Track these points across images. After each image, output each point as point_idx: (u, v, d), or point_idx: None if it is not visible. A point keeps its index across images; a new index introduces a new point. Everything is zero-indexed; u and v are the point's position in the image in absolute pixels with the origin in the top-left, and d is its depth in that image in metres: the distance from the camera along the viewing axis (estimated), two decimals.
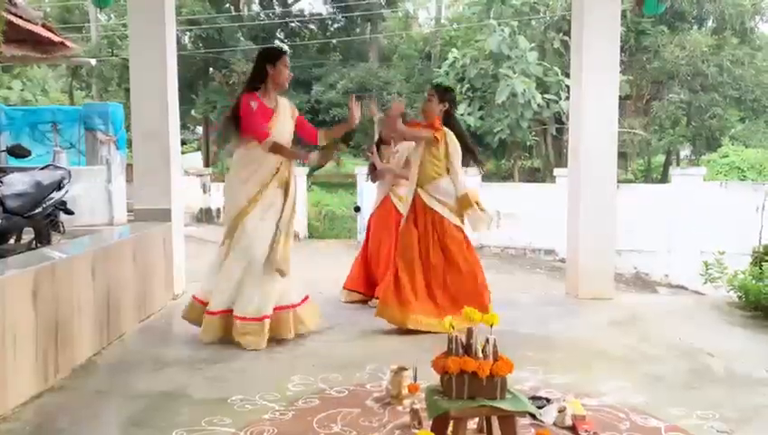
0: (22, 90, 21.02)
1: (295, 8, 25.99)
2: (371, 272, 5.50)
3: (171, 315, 5.01)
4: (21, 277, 3.22)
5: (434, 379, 3.03)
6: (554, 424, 2.99)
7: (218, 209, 16.98)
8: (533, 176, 19.70)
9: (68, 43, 10.54)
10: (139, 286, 4.74)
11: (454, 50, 18.55)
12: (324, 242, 14.43)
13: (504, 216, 13.77)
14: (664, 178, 18.78)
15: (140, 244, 4.83)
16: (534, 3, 18.84)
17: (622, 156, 16.86)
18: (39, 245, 5.16)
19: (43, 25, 9.69)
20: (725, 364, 3.89)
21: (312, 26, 25.86)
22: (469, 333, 2.73)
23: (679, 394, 3.43)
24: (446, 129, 4.65)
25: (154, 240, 5.14)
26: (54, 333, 3.48)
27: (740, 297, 5.35)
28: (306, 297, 4.50)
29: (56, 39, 9.92)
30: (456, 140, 4.64)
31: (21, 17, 8.53)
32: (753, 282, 5.21)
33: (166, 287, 5.40)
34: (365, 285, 5.51)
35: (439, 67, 19.34)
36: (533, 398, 3.11)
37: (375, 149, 5.73)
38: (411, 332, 4.48)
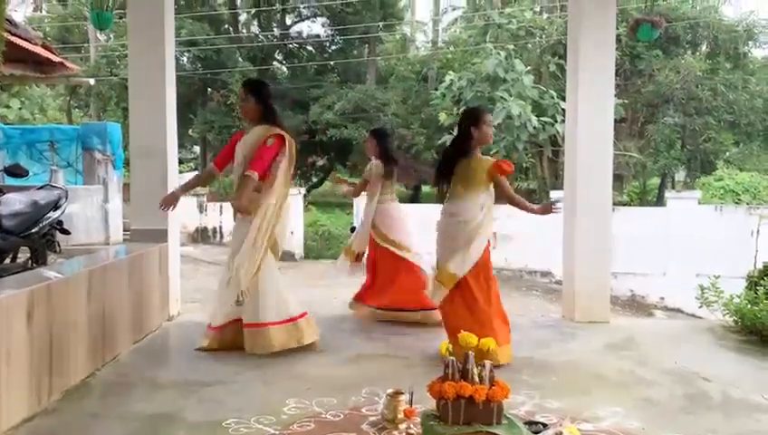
0: (20, 108, 21.09)
1: (293, 30, 26.21)
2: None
3: (167, 336, 5.00)
4: (16, 298, 3.21)
5: (430, 403, 3.02)
6: None
7: (214, 229, 16.97)
8: (529, 197, 19.71)
9: (67, 63, 10.61)
10: (135, 307, 4.73)
11: (450, 72, 18.67)
12: (323, 265, 14.39)
13: (499, 237, 13.77)
14: (659, 201, 18.85)
15: (136, 264, 4.82)
16: (530, 27, 19.01)
17: (618, 178, 16.93)
18: (35, 264, 5.14)
19: (43, 45, 9.77)
20: (721, 389, 3.89)
21: (309, 48, 26.05)
22: (466, 357, 2.73)
23: (675, 419, 3.43)
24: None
25: (150, 261, 5.13)
26: (49, 354, 3.46)
27: (735, 321, 5.35)
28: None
29: (55, 59, 10.00)
30: None
31: (21, 37, 8.60)
32: (749, 306, 5.21)
33: (161, 308, 5.38)
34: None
35: (436, 89, 19.45)
36: (529, 423, 3.10)
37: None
38: (407, 355, 4.47)
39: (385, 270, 5.64)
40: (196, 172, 23.10)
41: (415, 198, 20.62)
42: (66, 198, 5.59)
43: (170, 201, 4.71)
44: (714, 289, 5.61)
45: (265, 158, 4.46)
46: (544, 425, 3.16)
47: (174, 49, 5.75)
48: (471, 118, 4.55)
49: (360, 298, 5.79)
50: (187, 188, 4.93)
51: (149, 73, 5.44)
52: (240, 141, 4.64)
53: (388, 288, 5.57)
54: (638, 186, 21.36)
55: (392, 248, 5.58)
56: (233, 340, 4.55)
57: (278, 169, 4.53)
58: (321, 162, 25.17)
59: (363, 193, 5.90)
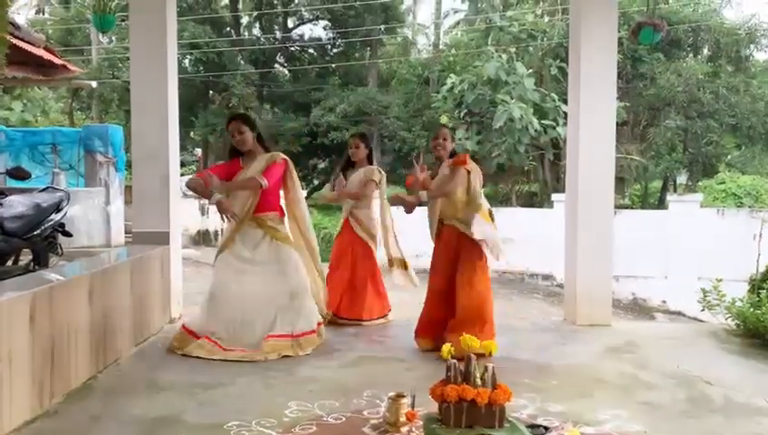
0: (22, 111, 21.10)
1: (295, 33, 26.25)
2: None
3: (168, 339, 4.99)
4: (18, 300, 3.21)
5: (432, 406, 3.02)
6: None
7: (216, 232, 16.99)
8: (531, 200, 19.76)
9: (69, 65, 10.63)
10: (136, 310, 4.73)
11: (452, 75, 18.69)
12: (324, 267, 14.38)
13: (501, 240, 13.78)
14: (661, 204, 18.85)
15: (138, 267, 4.82)
16: (532, 30, 19.04)
17: (619, 181, 16.92)
18: (37, 267, 5.15)
19: (46, 48, 9.79)
20: (723, 393, 3.88)
21: (311, 51, 26.10)
22: (468, 360, 2.73)
23: (677, 423, 3.42)
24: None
25: (152, 263, 5.14)
26: (50, 356, 3.46)
27: (738, 325, 5.35)
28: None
29: (58, 62, 10.01)
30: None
31: (23, 40, 8.61)
32: (751, 310, 5.20)
33: (163, 311, 5.38)
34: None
35: (437, 92, 19.48)
36: (531, 426, 3.09)
37: (341, 174, 5.90)
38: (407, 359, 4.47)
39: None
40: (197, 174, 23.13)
41: None
42: (68, 200, 5.60)
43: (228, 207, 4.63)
44: (716, 292, 5.60)
45: (275, 173, 4.68)
46: (546, 428, 3.15)
47: (176, 52, 5.76)
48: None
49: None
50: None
51: (152, 76, 5.45)
52: (240, 175, 4.69)
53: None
54: (639, 189, 21.36)
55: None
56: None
57: (292, 197, 4.93)
58: (322, 165, 25.20)
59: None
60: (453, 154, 4.81)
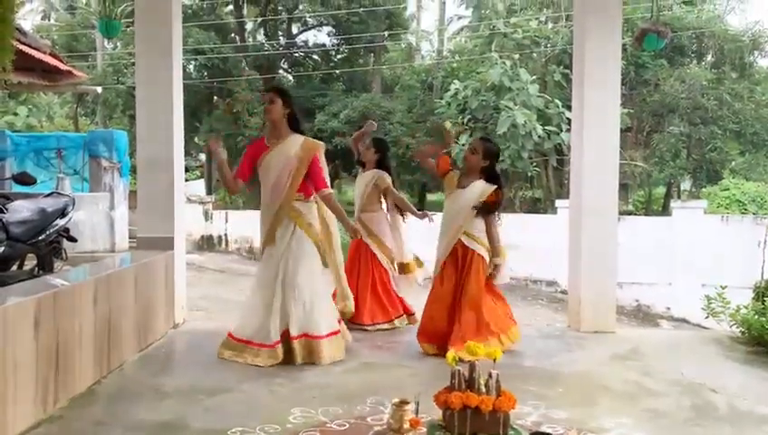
0: (27, 116, 21.21)
1: (299, 39, 26.32)
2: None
3: (172, 344, 5.00)
4: (23, 306, 3.22)
5: (436, 413, 3.01)
6: None
7: (219, 237, 17.01)
8: (534, 206, 19.73)
9: (75, 71, 10.68)
10: (140, 315, 4.73)
11: (456, 81, 18.72)
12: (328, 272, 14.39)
13: (504, 246, 13.76)
14: (665, 211, 18.81)
15: (142, 272, 4.83)
16: (535, 36, 19.06)
17: (623, 188, 16.92)
18: (41, 272, 5.16)
19: (51, 54, 9.83)
20: (728, 401, 3.86)
21: (315, 57, 26.16)
22: (472, 367, 2.73)
23: (682, 431, 3.41)
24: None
25: (156, 268, 5.14)
26: (55, 361, 3.47)
27: (743, 332, 5.33)
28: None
29: (63, 67, 10.06)
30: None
31: (30, 46, 8.66)
32: (756, 317, 5.18)
33: (166, 316, 5.38)
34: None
35: (441, 98, 19.50)
36: (536, 433, 3.09)
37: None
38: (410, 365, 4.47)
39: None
40: (202, 179, 23.21)
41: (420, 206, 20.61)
42: (73, 205, 5.61)
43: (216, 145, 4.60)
44: (720, 299, 5.59)
45: (323, 173, 4.61)
46: None
47: (181, 58, 5.78)
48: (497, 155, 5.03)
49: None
50: (224, 169, 4.69)
51: (156, 82, 5.46)
52: (269, 154, 4.51)
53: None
54: (643, 195, 21.33)
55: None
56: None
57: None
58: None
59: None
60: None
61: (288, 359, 4.45)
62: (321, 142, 4.69)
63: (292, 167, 4.49)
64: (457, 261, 4.72)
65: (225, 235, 16.96)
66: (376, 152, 5.82)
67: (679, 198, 20.35)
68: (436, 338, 4.73)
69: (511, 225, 14.07)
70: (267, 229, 4.58)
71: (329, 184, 4.69)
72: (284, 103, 4.56)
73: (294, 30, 26.26)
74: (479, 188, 4.73)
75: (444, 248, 4.77)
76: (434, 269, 4.88)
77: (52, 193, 5.87)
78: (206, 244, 16.93)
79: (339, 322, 4.80)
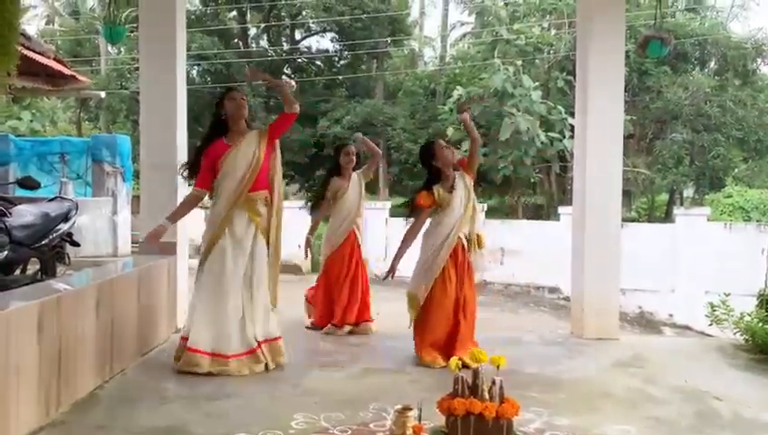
0: (31, 120, 21.24)
1: (302, 45, 26.39)
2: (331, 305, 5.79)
3: (174, 349, 4.98)
4: (26, 310, 3.21)
5: (439, 420, 3.01)
6: None
7: None
8: (537, 213, 19.73)
9: (78, 76, 10.71)
10: (143, 319, 4.73)
11: (458, 87, 18.75)
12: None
13: (507, 252, 13.76)
14: (668, 218, 18.78)
15: (145, 277, 4.83)
16: (538, 42, 19.11)
17: (626, 194, 16.90)
18: (44, 276, 5.16)
19: (55, 59, 9.87)
20: (732, 408, 3.84)
21: (318, 62, 26.22)
22: (475, 373, 2.72)
23: None
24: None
25: (158, 273, 5.15)
26: (57, 366, 3.46)
27: (746, 340, 5.31)
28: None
29: (67, 72, 10.09)
30: None
31: (34, 51, 8.69)
32: (760, 324, 5.17)
33: (169, 320, 5.38)
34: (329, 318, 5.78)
35: (444, 104, 19.53)
36: None
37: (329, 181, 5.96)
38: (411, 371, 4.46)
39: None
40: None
41: None
42: (76, 210, 5.60)
43: (156, 236, 4.52)
44: (724, 307, 5.57)
45: (279, 125, 4.66)
46: None
47: (185, 63, 5.80)
48: (426, 154, 4.81)
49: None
50: (175, 219, 4.70)
51: (160, 87, 5.49)
52: (233, 153, 4.42)
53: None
54: (646, 202, 21.32)
55: None
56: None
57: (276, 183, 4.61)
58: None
59: None
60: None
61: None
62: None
63: (257, 159, 4.43)
64: (456, 266, 4.69)
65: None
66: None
67: (682, 205, 20.32)
68: (438, 347, 4.66)
69: (513, 231, 14.14)
70: (220, 224, 4.43)
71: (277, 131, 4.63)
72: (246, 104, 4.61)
73: (297, 36, 26.35)
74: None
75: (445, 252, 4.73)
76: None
77: (55, 197, 5.87)
78: None
79: None
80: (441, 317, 4.64)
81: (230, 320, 4.38)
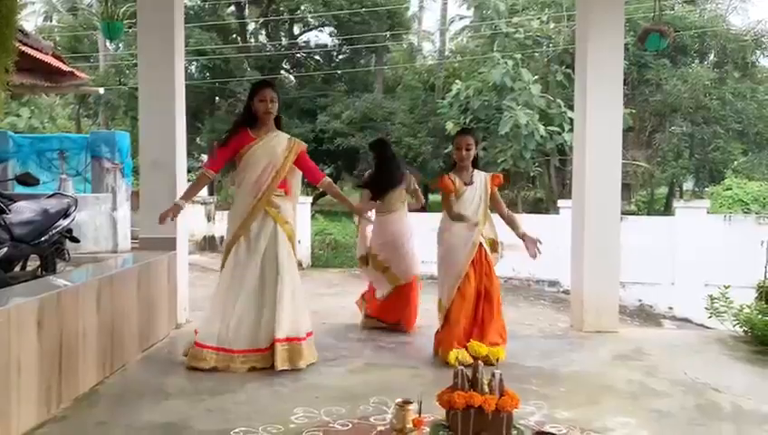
0: (30, 117, 21.24)
1: (301, 39, 26.35)
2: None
3: (174, 345, 5.00)
4: (26, 306, 3.22)
5: (439, 413, 3.01)
6: None
7: (222, 238, 17.01)
8: (537, 206, 19.72)
9: (77, 72, 10.70)
10: (143, 315, 4.74)
11: (458, 81, 18.71)
12: (330, 273, 14.43)
13: (507, 246, 13.72)
14: (667, 211, 18.78)
15: (145, 273, 4.83)
16: (537, 36, 19.04)
17: (625, 188, 16.89)
18: (44, 273, 5.17)
19: (54, 55, 9.85)
20: (732, 400, 3.86)
21: (317, 57, 26.18)
22: (475, 367, 2.72)
23: (685, 431, 3.41)
24: None
25: (158, 269, 5.15)
26: (58, 362, 3.47)
27: (746, 332, 5.32)
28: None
29: (65, 68, 10.08)
30: None
31: (32, 47, 8.68)
32: (759, 316, 5.18)
33: (169, 316, 5.38)
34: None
35: (443, 98, 19.49)
36: (539, 433, 3.08)
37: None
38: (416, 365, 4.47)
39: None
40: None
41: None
42: (75, 206, 5.62)
43: (175, 211, 4.56)
44: (723, 299, 5.57)
45: (311, 166, 4.73)
46: None
47: (183, 59, 5.78)
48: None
49: None
50: (188, 198, 4.76)
51: (159, 83, 5.47)
52: (256, 146, 4.45)
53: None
54: (645, 195, 21.30)
55: None
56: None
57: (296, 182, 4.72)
58: (327, 171, 25.21)
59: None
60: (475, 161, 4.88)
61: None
62: (300, 142, 4.66)
63: (278, 162, 4.46)
64: (474, 264, 4.65)
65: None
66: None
67: (682, 197, 20.33)
68: (463, 339, 4.57)
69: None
70: (243, 220, 4.43)
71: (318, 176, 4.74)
72: (278, 100, 4.59)
73: (296, 30, 26.30)
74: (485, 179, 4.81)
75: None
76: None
77: (54, 194, 5.88)
78: (209, 244, 16.92)
79: None
80: (463, 311, 4.57)
81: (240, 316, 4.37)
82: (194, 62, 22.98)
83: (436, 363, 4.52)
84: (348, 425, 3.35)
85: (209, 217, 16.94)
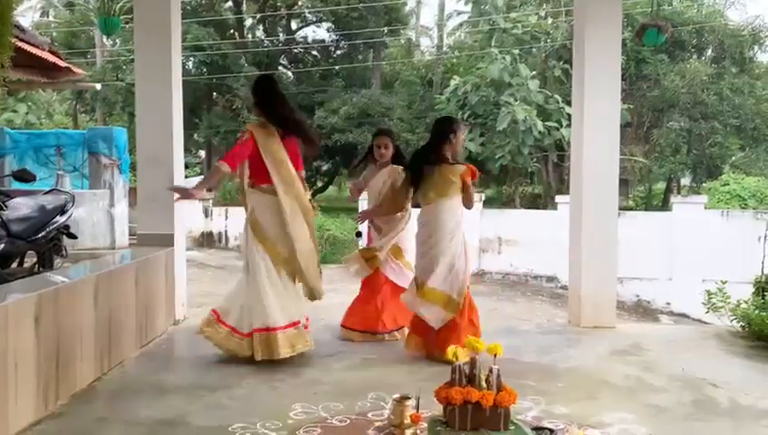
0: (27, 113, 21.19)
1: (299, 35, 26.28)
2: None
3: (172, 341, 5.00)
4: (24, 302, 3.22)
5: (437, 409, 3.02)
6: None
7: (220, 234, 17.01)
8: (535, 202, 19.73)
9: (74, 68, 10.65)
10: (141, 312, 4.73)
11: (455, 77, 18.69)
12: (329, 269, 14.42)
13: (504, 242, 13.79)
14: (665, 206, 18.80)
15: (143, 269, 4.82)
16: (535, 31, 19.04)
17: (623, 183, 16.89)
18: (42, 269, 5.16)
19: (50, 51, 9.80)
20: (729, 395, 3.86)
21: (315, 53, 26.12)
22: (473, 362, 2.73)
23: (683, 426, 3.41)
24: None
25: (156, 265, 5.14)
26: (56, 358, 3.47)
27: (743, 327, 5.33)
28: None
29: (62, 64, 10.03)
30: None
31: (28, 42, 8.63)
32: (756, 312, 5.19)
33: (167, 313, 5.38)
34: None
35: (441, 94, 19.47)
36: (536, 428, 3.09)
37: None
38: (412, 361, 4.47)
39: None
40: (202, 176, 23.22)
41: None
42: (73, 202, 5.61)
43: (182, 193, 4.56)
44: (721, 294, 5.58)
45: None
46: (551, 431, 3.15)
47: (180, 55, 5.76)
48: (452, 126, 4.64)
49: None
50: (203, 187, 4.78)
51: (156, 79, 5.44)
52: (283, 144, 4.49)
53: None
54: (643, 191, 21.32)
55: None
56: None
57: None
58: (326, 167, 25.21)
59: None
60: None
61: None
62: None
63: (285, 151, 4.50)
64: None
65: (225, 231, 16.96)
66: (393, 148, 5.30)
67: (679, 193, 20.33)
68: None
69: (511, 220, 14.15)
70: (280, 213, 4.42)
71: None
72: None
73: (294, 26, 26.23)
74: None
75: None
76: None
77: (51, 190, 5.87)
78: (207, 240, 16.93)
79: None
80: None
81: (237, 299, 4.48)
82: (191, 58, 22.90)
83: (433, 360, 4.51)
84: (346, 421, 3.36)
85: (207, 213, 16.94)
